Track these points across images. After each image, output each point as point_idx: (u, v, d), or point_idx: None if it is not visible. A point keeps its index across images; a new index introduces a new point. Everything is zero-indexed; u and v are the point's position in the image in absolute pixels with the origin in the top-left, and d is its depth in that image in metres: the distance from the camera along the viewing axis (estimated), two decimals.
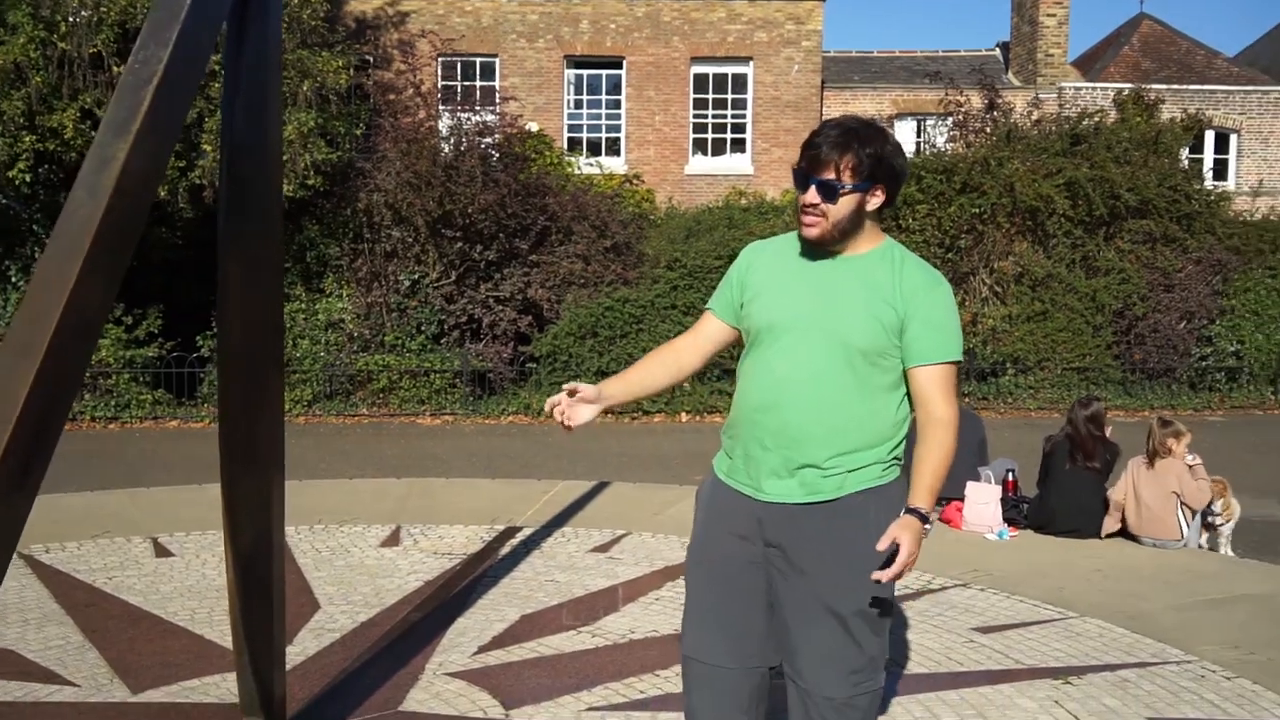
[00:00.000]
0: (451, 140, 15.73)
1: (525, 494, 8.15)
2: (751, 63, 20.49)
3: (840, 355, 2.75)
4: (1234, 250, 16.65)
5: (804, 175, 2.77)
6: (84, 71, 13.66)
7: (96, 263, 2.44)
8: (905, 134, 20.94)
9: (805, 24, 20.43)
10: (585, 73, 20.60)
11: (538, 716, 4.10)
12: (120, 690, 4.32)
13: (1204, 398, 16.10)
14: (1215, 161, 21.80)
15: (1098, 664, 4.71)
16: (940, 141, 17.76)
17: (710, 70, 20.60)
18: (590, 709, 4.17)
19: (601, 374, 14.57)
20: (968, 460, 7.60)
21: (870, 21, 69.11)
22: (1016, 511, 7.32)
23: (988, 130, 17.20)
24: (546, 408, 2.96)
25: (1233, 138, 21.97)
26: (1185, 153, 18.62)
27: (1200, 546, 6.94)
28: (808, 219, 2.77)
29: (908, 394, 2.82)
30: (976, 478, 7.45)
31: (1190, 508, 6.80)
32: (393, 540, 6.81)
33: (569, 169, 18.20)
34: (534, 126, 18.66)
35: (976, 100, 17.41)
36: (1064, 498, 7.04)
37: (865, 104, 21.32)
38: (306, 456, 10.83)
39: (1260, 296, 16.50)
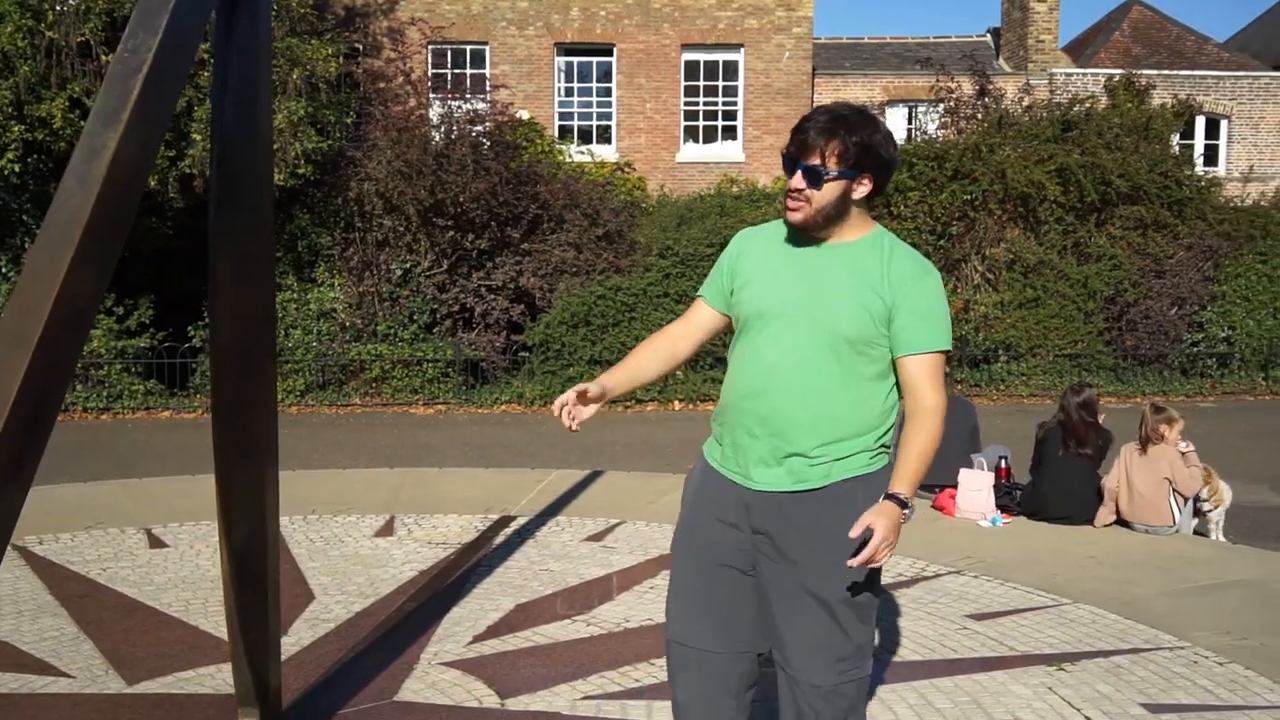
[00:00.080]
0: (442, 129, 15.68)
1: (519, 483, 8.15)
2: (742, 49, 20.44)
3: (827, 343, 2.75)
4: (1225, 236, 16.67)
5: (791, 159, 2.77)
6: (72, 60, 13.59)
7: (88, 253, 2.42)
8: (896, 121, 20.92)
9: (796, 10, 20.38)
10: (576, 60, 20.54)
11: (533, 705, 4.10)
12: (115, 681, 4.31)
13: (1195, 384, 16.14)
14: (1206, 147, 21.81)
15: (1091, 650, 4.72)
16: (931, 128, 17.74)
17: (701, 57, 20.55)
18: (585, 698, 4.17)
19: (594, 363, 14.59)
20: (960, 447, 7.61)
21: (861, 8, 69.08)
22: (1009, 498, 7.33)
23: (979, 117, 17.20)
24: (555, 409, 2.93)
25: (1223, 123, 21.98)
26: (1176, 139, 18.63)
27: (1195, 533, 6.96)
28: (792, 203, 2.77)
29: (897, 383, 2.83)
30: (969, 465, 7.47)
31: (1182, 494, 6.81)
32: (387, 530, 6.80)
33: (560, 157, 18.16)
34: (525, 114, 18.62)
35: (968, 86, 17.40)
36: (1056, 484, 7.06)
37: (856, 91, 21.29)
38: (300, 447, 10.82)
39: (1251, 282, 16.53)
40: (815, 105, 20.33)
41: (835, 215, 2.76)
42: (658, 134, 20.41)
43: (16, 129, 13.21)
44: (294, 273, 15.26)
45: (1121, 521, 6.95)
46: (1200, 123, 21.62)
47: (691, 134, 20.71)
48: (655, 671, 4.38)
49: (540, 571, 5.91)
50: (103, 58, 13.49)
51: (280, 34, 14.04)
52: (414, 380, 14.89)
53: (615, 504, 7.45)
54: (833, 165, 2.71)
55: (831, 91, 21.19)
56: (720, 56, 20.57)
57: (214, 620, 4.97)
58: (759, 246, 2.93)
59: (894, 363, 2.80)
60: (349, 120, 16.04)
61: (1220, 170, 21.17)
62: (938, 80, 17.30)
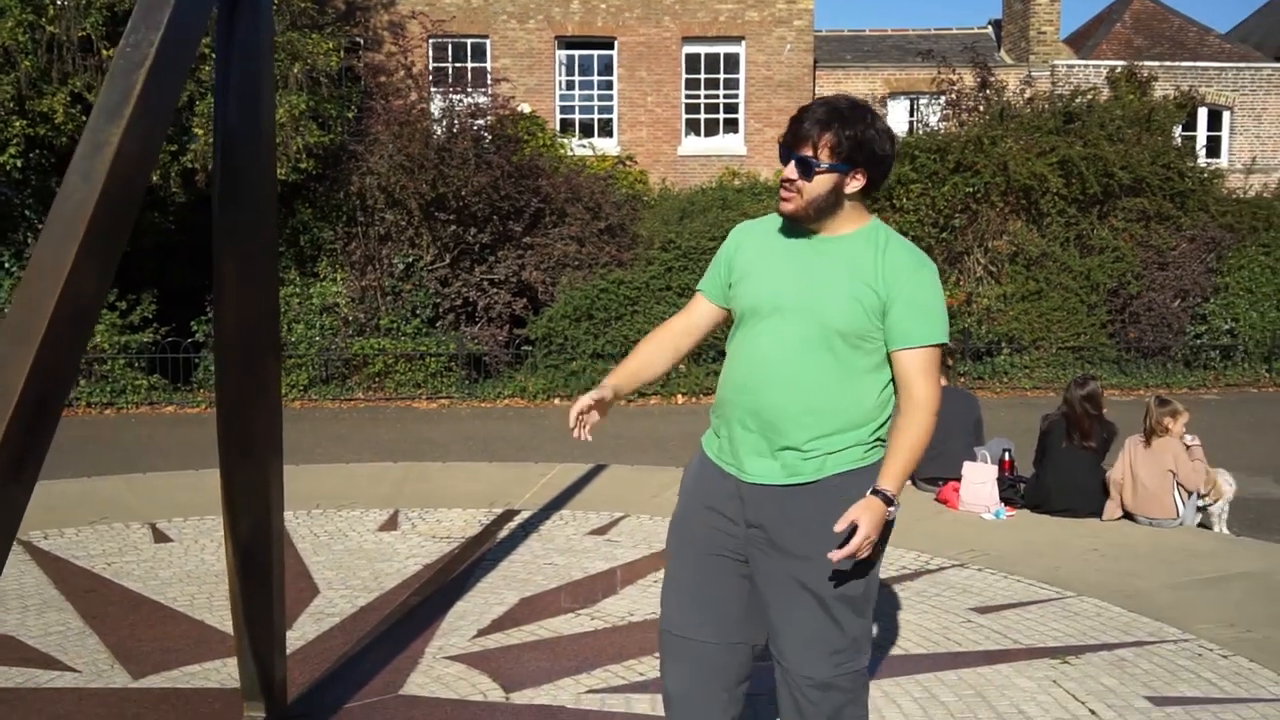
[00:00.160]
0: (444, 122, 15.66)
1: (523, 477, 8.16)
2: (743, 42, 20.42)
3: (820, 337, 2.75)
4: (1228, 228, 16.64)
5: (786, 149, 2.77)
6: (73, 55, 13.56)
7: (92, 248, 2.43)
8: (898, 113, 20.88)
9: (797, 3, 20.34)
10: (577, 53, 20.51)
11: (538, 699, 4.11)
12: (121, 676, 4.32)
13: (1199, 376, 16.12)
14: (1208, 139, 21.77)
15: (1095, 643, 4.73)
16: (933, 120, 17.71)
17: (702, 50, 20.52)
18: (590, 691, 4.18)
19: (597, 356, 14.60)
20: (964, 440, 7.61)
21: (862, 0, 68.89)
22: (1013, 491, 7.33)
23: (981, 109, 17.16)
24: (572, 419, 2.92)
25: (1225, 115, 21.94)
26: (1178, 130, 18.59)
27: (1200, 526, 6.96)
28: (784, 193, 2.78)
29: (893, 376, 2.82)
30: (973, 458, 7.46)
31: (1185, 488, 6.81)
32: (391, 524, 6.81)
33: (562, 151, 18.13)
34: (526, 108, 18.59)
35: (969, 79, 17.36)
36: (1060, 477, 7.05)
37: (858, 83, 21.25)
38: (303, 441, 10.82)
39: (1254, 274, 16.50)
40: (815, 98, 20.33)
41: (826, 208, 2.76)
42: (659, 127, 20.38)
43: (18, 124, 13.20)
44: (296, 267, 15.26)
45: (1125, 514, 6.95)
46: (1202, 114, 21.58)
47: (693, 127, 20.69)
48: (660, 665, 4.38)
49: (544, 565, 5.91)
50: (104, 52, 13.48)
51: (281, 28, 14.02)
52: (417, 374, 14.89)
53: (619, 498, 7.46)
54: (825, 158, 2.71)
55: (833, 84, 21.16)
56: (721, 49, 20.53)
57: (219, 615, 4.98)
58: (756, 240, 2.94)
59: (889, 356, 2.79)
60: (350, 114, 16.02)
61: (1223, 162, 21.13)
62: (939, 73, 17.26)
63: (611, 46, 20.36)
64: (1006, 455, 7.63)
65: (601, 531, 6.64)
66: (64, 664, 4.44)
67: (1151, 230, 16.33)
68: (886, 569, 5.79)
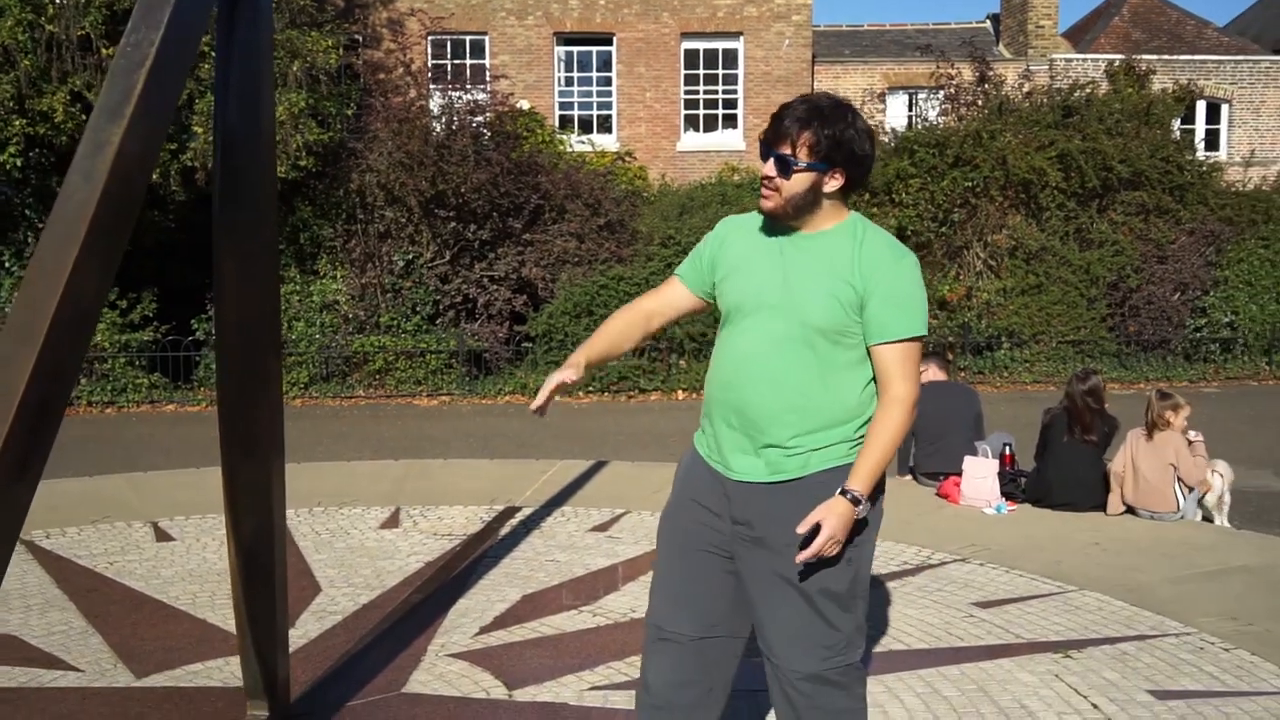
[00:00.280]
0: (443, 119, 15.67)
1: (524, 474, 8.16)
2: (742, 38, 20.40)
3: (800, 335, 2.75)
4: (1227, 221, 16.66)
5: (766, 146, 2.78)
6: (73, 54, 13.57)
7: (93, 248, 2.43)
8: (897, 108, 20.86)
9: None
10: (575, 50, 20.50)
11: (540, 696, 4.11)
12: (124, 675, 4.33)
13: (1199, 369, 16.14)
14: (1207, 132, 21.76)
15: (1097, 637, 4.73)
16: (932, 115, 17.71)
17: (701, 46, 20.51)
18: (593, 688, 4.18)
19: None
20: (965, 435, 7.62)
21: None
22: (1014, 485, 7.33)
23: (979, 103, 17.17)
24: (542, 399, 2.98)
25: (1224, 108, 21.93)
26: (1177, 123, 18.59)
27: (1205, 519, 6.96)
28: (764, 191, 2.79)
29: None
30: (974, 452, 7.46)
31: (1185, 483, 6.81)
32: (392, 522, 6.82)
33: (561, 147, 18.12)
34: (525, 105, 18.59)
35: (968, 73, 17.37)
36: (1061, 470, 7.05)
37: (856, 78, 21.24)
38: (304, 439, 10.83)
39: (1253, 267, 16.51)
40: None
41: (805, 206, 2.76)
42: (658, 123, 20.37)
43: (18, 123, 13.21)
44: (296, 265, 15.27)
45: (1127, 507, 6.95)
46: (1201, 107, 21.56)
47: (692, 123, 20.68)
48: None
49: (546, 562, 5.92)
50: (103, 51, 13.48)
51: (280, 26, 14.02)
52: (417, 372, 14.90)
53: (620, 494, 7.46)
54: (804, 156, 2.72)
55: (831, 79, 21.14)
56: (720, 45, 20.52)
57: (221, 613, 4.99)
58: (740, 237, 2.94)
59: (868, 351, 2.79)
60: (350, 112, 16.03)
61: (1221, 155, 21.13)
62: (938, 67, 17.27)
63: (610, 42, 20.35)
64: (1007, 450, 7.63)
65: (603, 528, 6.65)
66: (67, 663, 4.44)
67: (1151, 224, 16.34)
68: (888, 564, 5.81)
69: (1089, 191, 16.25)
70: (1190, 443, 6.85)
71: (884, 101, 18.76)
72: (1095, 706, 3.98)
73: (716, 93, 20.64)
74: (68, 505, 7.07)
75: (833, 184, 2.75)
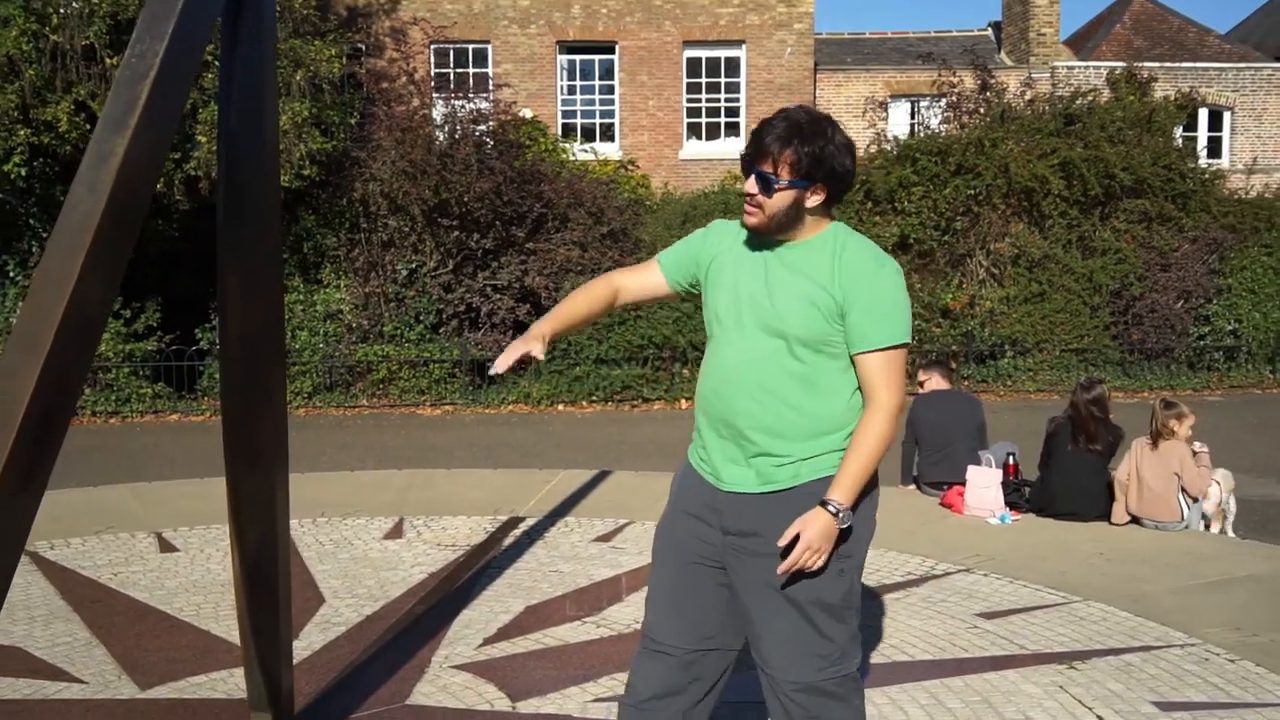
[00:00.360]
0: (446, 128, 15.69)
1: (527, 484, 8.15)
2: (744, 46, 20.43)
3: (782, 345, 2.77)
4: (1229, 228, 16.65)
5: (748, 163, 2.80)
6: (77, 64, 13.61)
7: (98, 258, 2.44)
8: (899, 116, 20.87)
9: (797, 6, 20.37)
10: (578, 58, 20.54)
11: (544, 708, 4.10)
12: (128, 687, 4.32)
13: (1203, 377, 16.11)
14: (1209, 139, 21.78)
15: (1101, 648, 4.71)
16: (934, 123, 17.72)
17: (703, 54, 20.54)
18: (597, 700, 4.18)
19: (600, 361, 14.63)
20: (968, 444, 7.60)
21: (862, 3, 68.97)
22: (1018, 495, 7.32)
23: (981, 111, 17.17)
24: (507, 362, 2.88)
25: (1226, 115, 21.94)
26: (1179, 131, 18.60)
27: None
28: (747, 207, 2.82)
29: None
30: (977, 461, 7.45)
31: (1189, 493, 6.80)
32: (396, 532, 6.81)
33: (564, 155, 18.16)
34: (528, 113, 18.62)
35: (969, 81, 17.38)
36: (1065, 479, 7.04)
37: (858, 86, 21.27)
38: (307, 449, 10.83)
39: (1257, 275, 16.49)
40: (814, 103, 20.34)
41: (788, 222, 2.79)
42: (660, 131, 20.40)
43: (22, 133, 13.23)
44: (300, 274, 15.28)
45: (1131, 517, 6.93)
46: (1203, 115, 21.58)
47: (694, 131, 20.71)
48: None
49: (550, 573, 5.91)
50: (107, 61, 13.51)
51: (283, 35, 14.05)
52: (421, 381, 14.90)
53: (623, 504, 7.45)
54: (785, 174, 2.74)
55: (833, 87, 21.18)
56: (722, 53, 20.55)
57: (225, 625, 4.98)
58: (728, 245, 2.97)
59: (852, 360, 2.79)
60: (353, 121, 16.06)
61: (1224, 162, 21.13)
62: (940, 75, 17.28)
63: (613, 51, 20.39)
64: (1011, 459, 7.62)
65: (606, 538, 6.64)
66: (71, 675, 4.44)
67: (1153, 231, 16.33)
68: (892, 574, 5.80)
69: (1091, 199, 16.24)
70: (1195, 453, 6.84)
71: (886, 109, 18.76)
72: (1100, 718, 3.97)
73: (719, 101, 20.68)
74: (72, 516, 7.06)
75: (814, 199, 2.78)
